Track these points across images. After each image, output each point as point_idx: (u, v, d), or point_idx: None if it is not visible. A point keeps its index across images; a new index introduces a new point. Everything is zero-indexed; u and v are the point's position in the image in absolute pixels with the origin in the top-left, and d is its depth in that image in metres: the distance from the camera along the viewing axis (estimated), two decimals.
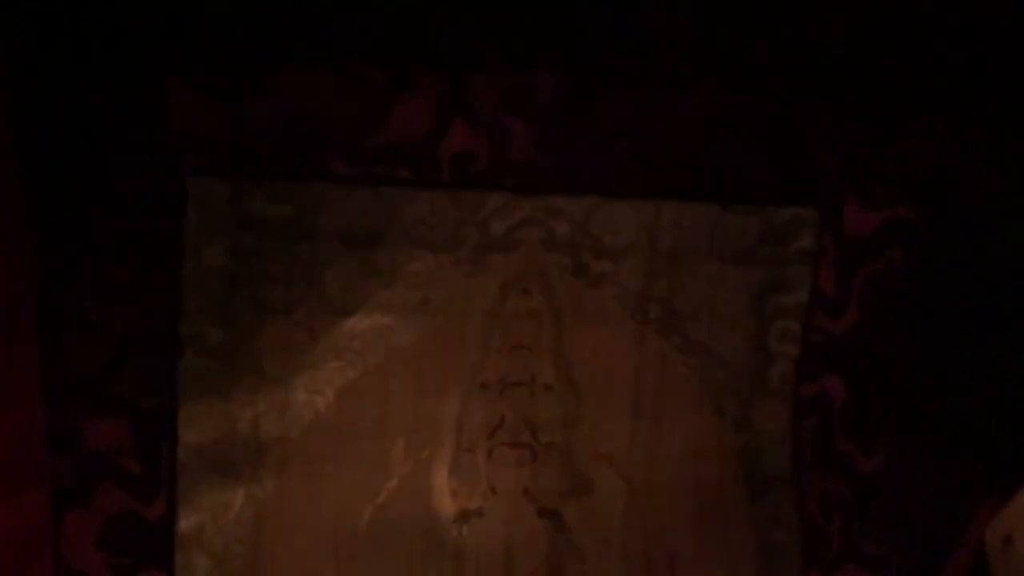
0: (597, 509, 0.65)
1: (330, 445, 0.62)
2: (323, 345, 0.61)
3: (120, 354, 0.59)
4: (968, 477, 0.67)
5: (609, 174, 0.63)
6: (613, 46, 0.60)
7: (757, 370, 0.66)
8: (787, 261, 0.65)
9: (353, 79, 0.59)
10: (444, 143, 0.60)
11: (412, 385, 0.63)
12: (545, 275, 0.63)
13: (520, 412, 0.64)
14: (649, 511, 0.65)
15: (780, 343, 0.66)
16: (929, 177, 0.66)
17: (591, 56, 0.60)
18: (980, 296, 0.66)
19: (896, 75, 0.63)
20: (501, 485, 0.64)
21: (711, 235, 0.64)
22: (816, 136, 0.64)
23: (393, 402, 0.63)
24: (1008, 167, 0.65)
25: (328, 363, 0.61)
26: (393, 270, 0.61)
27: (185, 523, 0.61)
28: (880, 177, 0.65)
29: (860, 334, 0.66)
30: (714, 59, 0.61)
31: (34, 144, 0.55)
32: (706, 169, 0.63)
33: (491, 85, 0.61)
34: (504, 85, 0.62)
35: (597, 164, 0.63)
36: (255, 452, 0.62)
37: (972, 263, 0.66)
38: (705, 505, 0.66)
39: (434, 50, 0.59)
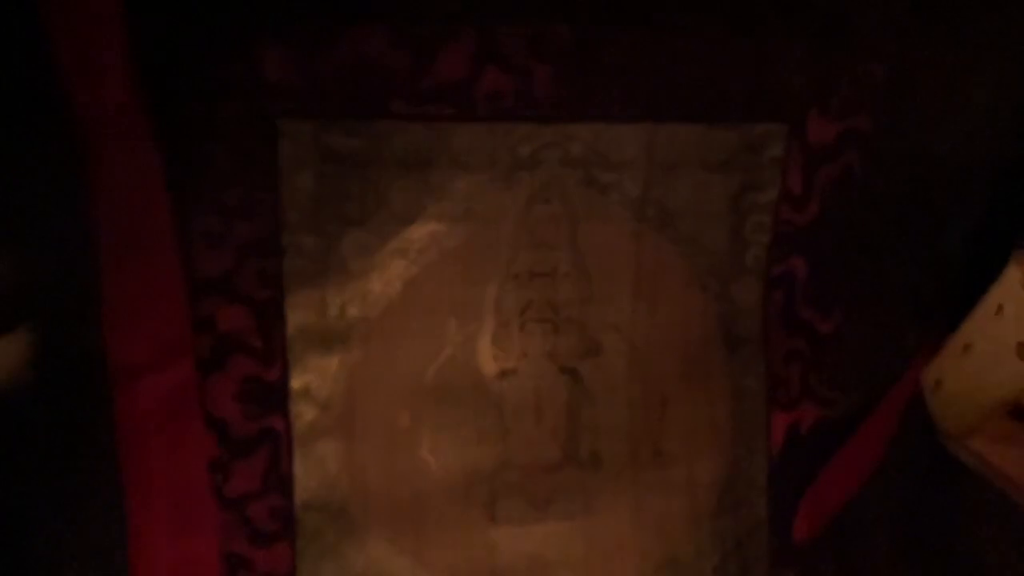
0: (606, 366, 0.71)
1: (400, 323, 0.67)
2: (391, 248, 0.66)
3: (239, 259, 0.64)
4: (907, 334, 0.76)
5: (614, 104, 0.66)
6: (616, 1, 0.65)
7: (735, 255, 0.72)
8: (760, 167, 0.70)
9: (406, 34, 0.62)
10: (479, 84, 0.64)
11: (460, 277, 0.68)
12: (563, 187, 0.68)
13: (544, 295, 0.69)
14: (646, 366, 0.72)
15: (754, 233, 0.72)
16: (880, 92, 0.70)
17: (598, 9, 0.65)
18: (921, 191, 0.73)
19: (850, 9, 0.67)
20: (531, 350, 0.70)
21: (698, 149, 0.69)
22: (786, 64, 0.68)
23: (446, 290, 0.68)
24: (946, 82, 0.70)
25: (395, 261, 0.66)
26: (442, 188, 0.66)
27: (296, 382, 0.66)
28: (839, 94, 0.70)
29: (821, 224, 0.72)
30: (702, 5, 0.66)
31: (163, 100, 0.60)
32: (694, 96, 0.68)
33: (517, 35, 0.63)
34: (527, 35, 0.63)
35: (604, 96, 0.66)
36: (345, 329, 0.67)
37: (916, 163, 0.72)
38: (691, 360, 0.73)
39: (470, 8, 0.63)
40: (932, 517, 0.78)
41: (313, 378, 0.67)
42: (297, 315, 0.66)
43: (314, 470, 0.68)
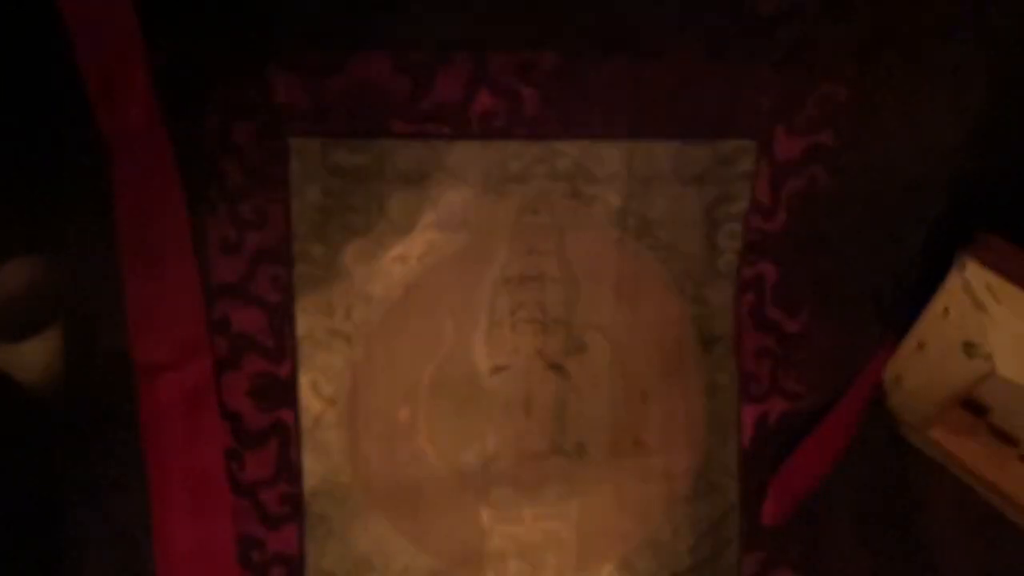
0: (590, 362, 0.73)
1: (401, 324, 0.70)
2: (392, 255, 0.69)
3: (253, 265, 0.67)
4: (868, 333, 0.77)
5: (596, 123, 0.69)
6: (598, 30, 0.68)
7: (709, 260, 0.74)
8: (732, 180, 0.72)
9: (405, 61, 0.65)
10: (472, 106, 0.66)
11: (456, 281, 0.70)
12: (550, 199, 0.70)
13: (534, 297, 0.71)
14: (627, 363, 0.74)
15: (727, 240, 0.74)
16: (843, 111, 0.72)
17: (582, 37, 0.68)
18: (881, 201, 0.75)
19: (814, 36, 0.71)
20: (521, 348, 0.72)
21: (674, 164, 0.71)
22: (754, 85, 0.71)
23: (443, 294, 0.70)
24: (903, 101, 0.73)
25: (396, 267, 0.69)
26: (439, 200, 0.68)
27: (304, 379, 0.69)
28: (804, 112, 0.71)
29: (788, 231, 0.74)
30: (676, 34, 0.69)
31: (182, 121, 0.64)
32: (670, 116, 0.70)
33: (507, 61, 0.66)
34: (517, 60, 0.66)
35: (587, 116, 0.68)
36: (349, 330, 0.69)
37: (876, 176, 0.74)
38: (668, 357, 0.75)
39: (464, 35, 0.66)
40: (892, 502, 0.80)
41: (320, 375, 0.70)
42: (306, 317, 0.69)
43: (321, 459, 0.71)
